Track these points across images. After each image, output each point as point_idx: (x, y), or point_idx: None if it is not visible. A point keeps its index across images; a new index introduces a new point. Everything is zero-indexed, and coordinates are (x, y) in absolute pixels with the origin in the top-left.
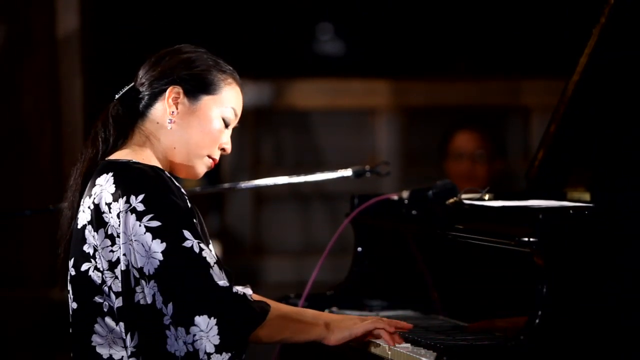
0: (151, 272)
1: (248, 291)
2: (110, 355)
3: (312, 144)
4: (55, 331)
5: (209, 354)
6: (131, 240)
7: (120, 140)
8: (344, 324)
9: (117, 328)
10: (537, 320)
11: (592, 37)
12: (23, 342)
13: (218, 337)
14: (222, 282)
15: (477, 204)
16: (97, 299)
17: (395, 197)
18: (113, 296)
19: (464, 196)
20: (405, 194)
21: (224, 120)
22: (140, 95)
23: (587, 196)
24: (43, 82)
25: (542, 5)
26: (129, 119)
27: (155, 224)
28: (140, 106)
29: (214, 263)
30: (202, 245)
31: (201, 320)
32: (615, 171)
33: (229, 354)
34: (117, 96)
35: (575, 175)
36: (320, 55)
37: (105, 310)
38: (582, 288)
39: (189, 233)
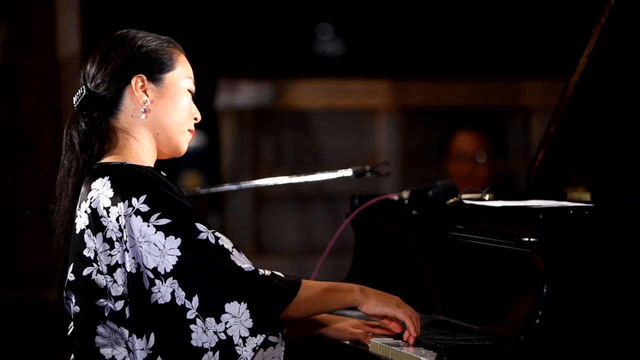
0: (167, 270)
1: None
2: (113, 356)
3: (312, 144)
4: (55, 331)
5: (244, 338)
6: (140, 242)
7: (105, 145)
8: (382, 297)
9: (120, 329)
10: (537, 320)
11: (592, 37)
12: (23, 342)
13: (251, 320)
14: (247, 265)
15: (477, 204)
16: (101, 302)
17: (395, 197)
18: (113, 299)
19: (464, 196)
20: (405, 194)
21: (189, 91)
22: (102, 96)
23: (587, 196)
24: (43, 82)
25: (542, 5)
26: (102, 123)
27: (165, 221)
28: (107, 106)
29: (232, 248)
30: (216, 234)
31: (232, 307)
32: (615, 171)
33: (264, 335)
34: (75, 104)
35: (575, 175)
36: (320, 55)
37: (107, 313)
38: (582, 288)
39: (201, 226)
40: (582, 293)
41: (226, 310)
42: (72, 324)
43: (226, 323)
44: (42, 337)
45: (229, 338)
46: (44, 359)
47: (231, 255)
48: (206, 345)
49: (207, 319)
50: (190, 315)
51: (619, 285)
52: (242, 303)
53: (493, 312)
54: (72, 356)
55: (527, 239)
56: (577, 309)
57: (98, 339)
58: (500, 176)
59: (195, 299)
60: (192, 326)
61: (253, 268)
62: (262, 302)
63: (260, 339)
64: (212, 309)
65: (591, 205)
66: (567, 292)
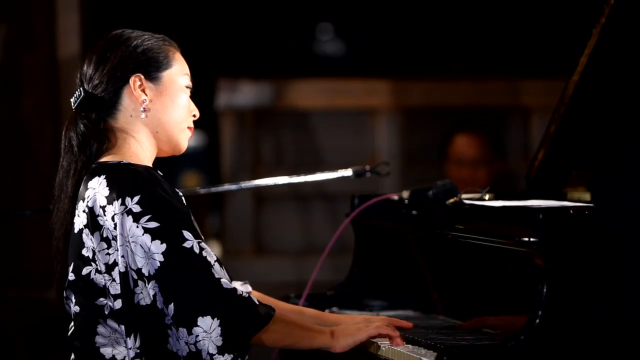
0: (151, 273)
1: (247, 288)
2: (113, 356)
3: (312, 144)
4: (55, 331)
5: (211, 355)
6: (128, 242)
7: (104, 146)
8: (348, 331)
9: (120, 328)
10: (537, 320)
11: (592, 37)
12: (23, 342)
13: (221, 338)
14: (226, 282)
15: (477, 204)
16: (101, 301)
17: (395, 197)
18: (112, 298)
19: (464, 196)
20: (405, 194)
21: (186, 88)
22: (100, 96)
23: (587, 196)
24: (43, 82)
25: (542, 5)
26: (101, 124)
27: (153, 225)
28: (105, 107)
29: (215, 262)
30: (202, 244)
31: (204, 321)
32: (615, 171)
33: (231, 356)
34: (73, 105)
35: (575, 175)
36: (320, 55)
37: (107, 312)
38: (582, 288)
39: (188, 233)
40: (582, 293)
41: (198, 323)
42: (72, 324)
43: (197, 336)
44: (42, 337)
45: (198, 352)
46: (44, 359)
47: (212, 268)
48: (180, 353)
49: (180, 329)
50: (167, 320)
51: (619, 285)
52: (215, 319)
53: (493, 312)
54: (72, 356)
55: (527, 239)
56: (577, 309)
57: (98, 339)
58: (500, 176)
59: (171, 307)
60: (168, 331)
61: (232, 287)
62: (234, 323)
63: (227, 358)
64: (185, 320)
65: (591, 205)
66: (567, 292)
